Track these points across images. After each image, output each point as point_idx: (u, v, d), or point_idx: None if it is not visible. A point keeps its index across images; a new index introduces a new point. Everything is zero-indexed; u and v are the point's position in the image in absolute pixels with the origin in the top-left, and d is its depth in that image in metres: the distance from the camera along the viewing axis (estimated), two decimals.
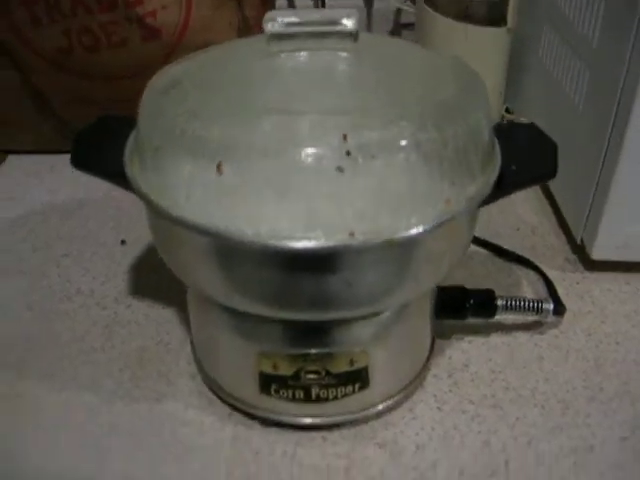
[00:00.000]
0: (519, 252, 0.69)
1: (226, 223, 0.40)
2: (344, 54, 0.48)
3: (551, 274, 0.66)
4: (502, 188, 0.47)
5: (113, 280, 0.66)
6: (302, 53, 0.48)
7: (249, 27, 0.74)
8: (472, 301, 0.57)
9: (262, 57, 0.48)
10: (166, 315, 0.62)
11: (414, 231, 0.41)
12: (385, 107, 0.42)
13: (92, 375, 0.57)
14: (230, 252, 0.42)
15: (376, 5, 0.93)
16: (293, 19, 0.47)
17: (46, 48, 0.73)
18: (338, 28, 0.46)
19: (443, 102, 0.44)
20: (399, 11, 0.94)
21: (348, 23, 0.46)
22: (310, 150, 0.39)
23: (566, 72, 0.70)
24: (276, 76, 0.47)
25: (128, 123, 0.50)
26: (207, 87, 0.45)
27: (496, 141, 0.48)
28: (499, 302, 0.58)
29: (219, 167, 0.40)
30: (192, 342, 0.58)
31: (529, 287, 0.66)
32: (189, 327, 0.58)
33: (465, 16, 0.77)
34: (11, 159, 0.84)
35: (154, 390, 0.55)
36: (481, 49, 0.77)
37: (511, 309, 0.58)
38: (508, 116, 0.86)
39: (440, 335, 0.59)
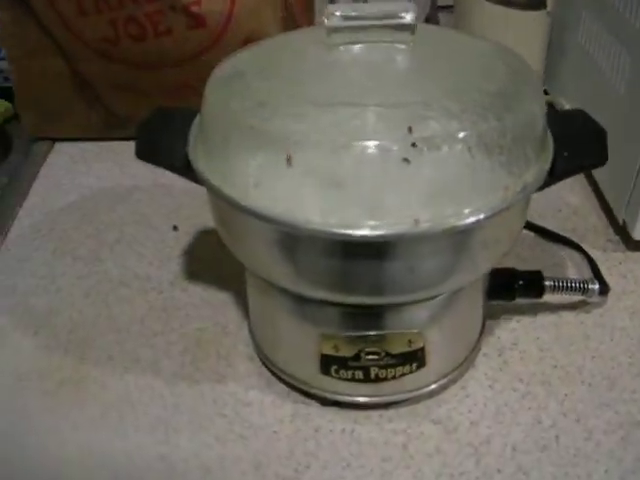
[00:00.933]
0: (562, 234, 0.70)
1: (295, 213, 0.42)
2: (403, 46, 0.49)
3: (594, 254, 0.67)
4: (554, 175, 0.48)
5: (167, 265, 0.68)
6: (361, 46, 0.49)
7: (293, 16, 0.75)
8: (521, 282, 0.59)
9: (322, 50, 0.49)
10: (222, 298, 0.64)
11: (475, 218, 0.42)
12: (446, 99, 0.43)
13: (153, 358, 0.59)
14: (298, 241, 0.44)
15: None
16: (352, 13, 0.48)
17: (93, 38, 0.75)
18: (396, 21, 0.48)
19: (501, 93, 0.45)
20: None
21: (407, 16, 0.47)
22: (377, 142, 0.41)
23: (606, 55, 0.71)
24: (337, 68, 0.48)
25: (187, 114, 0.51)
26: (271, 79, 0.47)
27: (548, 128, 0.49)
28: (546, 283, 0.60)
29: (289, 159, 0.42)
30: (250, 324, 0.59)
31: (573, 267, 0.67)
32: (245, 310, 0.60)
33: (507, 1, 0.77)
34: (58, 146, 0.86)
35: (214, 372, 0.57)
36: (521, 33, 0.78)
37: (558, 289, 0.60)
38: (546, 98, 0.87)
39: (489, 316, 0.60)
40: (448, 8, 0.92)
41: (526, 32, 0.77)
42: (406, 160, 0.41)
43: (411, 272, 0.44)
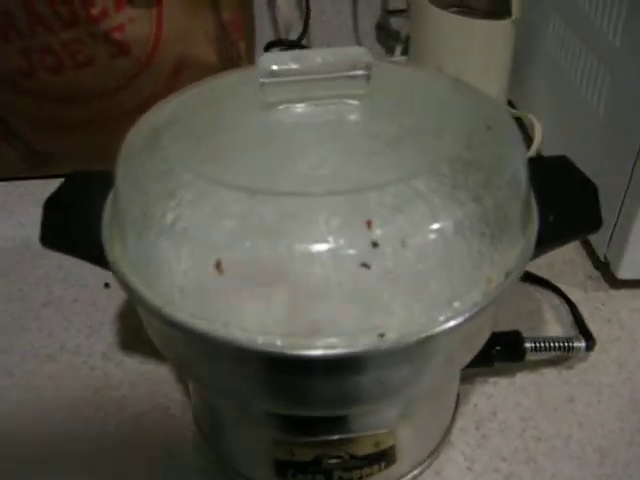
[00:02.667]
0: (537, 270, 0.64)
1: (232, 330, 0.34)
2: (355, 102, 0.41)
3: (574, 295, 0.62)
4: (541, 248, 0.41)
5: (99, 332, 0.60)
6: (304, 105, 0.41)
7: (227, 34, 0.67)
8: (499, 347, 0.52)
9: (257, 110, 0.41)
10: (162, 372, 0.56)
11: (453, 323, 0.35)
12: (411, 177, 0.36)
13: (87, 456, 0.51)
14: (238, 359, 0.36)
15: None
16: (292, 65, 0.40)
17: (2, 69, 0.65)
18: (347, 73, 0.40)
19: (476, 161, 0.38)
20: None
21: (359, 68, 0.39)
22: (329, 246, 0.33)
23: (581, 71, 0.64)
24: (275, 137, 0.40)
25: (105, 183, 0.43)
26: (194, 152, 0.39)
27: (531, 189, 0.42)
28: (527, 345, 0.54)
29: (218, 266, 0.34)
30: (193, 410, 0.52)
31: (553, 313, 0.61)
32: (189, 388, 0.53)
33: (465, 7, 0.70)
34: None
35: (157, 468, 0.50)
36: (484, 43, 0.70)
37: (540, 350, 0.54)
38: (512, 112, 0.80)
39: (464, 379, 0.54)
40: (400, 12, 0.85)
41: (489, 43, 0.70)
42: (365, 265, 0.33)
43: (379, 383, 0.37)
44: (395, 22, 0.89)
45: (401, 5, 0.82)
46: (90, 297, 0.63)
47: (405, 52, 0.84)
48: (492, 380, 0.55)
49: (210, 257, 0.34)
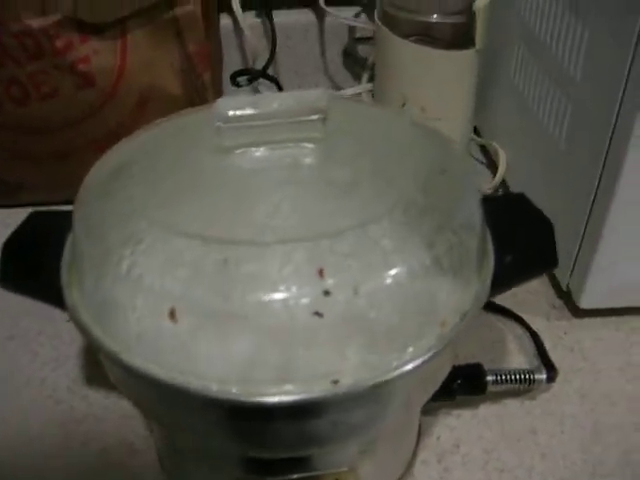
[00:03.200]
0: (500, 298, 0.63)
1: (188, 377, 0.35)
2: (311, 146, 0.41)
3: (537, 324, 0.62)
4: (497, 286, 0.41)
5: (65, 365, 0.60)
6: (261, 150, 0.41)
7: (193, 66, 0.67)
8: (460, 381, 0.52)
9: (215, 152, 0.41)
10: (127, 408, 0.56)
11: (409, 367, 0.36)
12: (365, 221, 0.36)
13: None
14: (195, 406, 0.37)
15: (328, 19, 0.86)
16: (249, 111, 0.40)
17: None
18: (304, 118, 0.40)
19: (432, 206, 0.38)
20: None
21: (316, 116, 0.40)
22: (281, 295, 0.34)
23: (544, 102, 0.65)
24: (230, 183, 0.40)
25: (64, 220, 0.43)
26: (149, 199, 0.39)
27: (487, 229, 0.42)
28: (489, 378, 0.54)
29: (172, 314, 0.34)
30: (156, 446, 0.52)
31: (515, 342, 0.61)
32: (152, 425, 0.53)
33: (427, 36, 0.70)
34: None
35: None
36: (447, 73, 0.71)
37: (501, 383, 0.54)
38: (477, 139, 0.81)
39: (426, 412, 0.54)
40: (367, 40, 0.85)
41: (453, 72, 0.71)
42: (318, 314, 0.33)
43: (336, 426, 0.38)
44: (362, 49, 0.89)
45: (368, 33, 0.83)
46: (55, 330, 0.63)
47: (372, 79, 0.84)
48: (455, 412, 0.56)
49: (165, 305, 0.34)
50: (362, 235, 0.36)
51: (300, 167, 0.40)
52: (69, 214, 0.42)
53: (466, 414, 0.56)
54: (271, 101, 0.40)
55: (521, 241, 0.43)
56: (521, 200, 0.46)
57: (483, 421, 0.55)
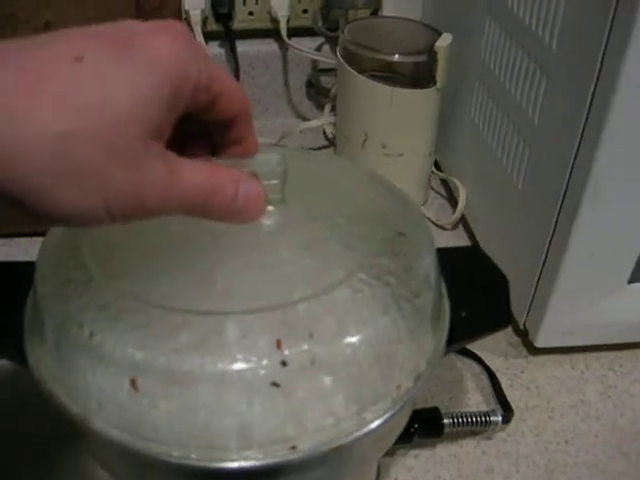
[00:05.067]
0: None
1: (148, 442, 0.35)
2: (270, 208, 0.41)
3: (494, 362, 0.63)
4: (451, 345, 0.42)
5: None
6: None
7: None
8: (417, 425, 0.53)
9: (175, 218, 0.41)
10: None
11: (364, 430, 0.36)
12: (322, 290, 0.37)
13: None
14: (156, 469, 0.37)
15: (291, 55, 0.87)
16: None
17: None
18: (264, 183, 0.40)
19: (388, 272, 0.39)
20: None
21: (276, 180, 0.40)
22: (239, 365, 0.34)
23: (502, 143, 0.66)
24: (193, 248, 0.41)
25: (27, 272, 0.43)
26: (115, 262, 0.39)
27: (443, 284, 0.43)
28: (446, 421, 0.55)
29: (133, 382, 0.35)
30: None
31: (472, 381, 0.62)
32: None
33: (390, 74, 0.71)
34: None
35: None
36: (408, 111, 0.72)
37: (458, 426, 0.55)
38: (438, 174, 0.82)
39: (385, 453, 0.55)
40: (331, 71, 0.86)
41: (413, 110, 0.72)
42: (275, 384, 0.34)
43: None
44: (325, 80, 0.90)
45: (332, 63, 0.83)
46: None
47: (334, 109, 0.85)
48: (413, 452, 0.57)
49: (125, 374, 0.35)
50: (319, 304, 0.36)
51: (260, 231, 0.41)
52: (32, 265, 0.42)
53: (424, 454, 0.57)
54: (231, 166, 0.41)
55: (476, 298, 0.44)
56: (477, 254, 0.47)
57: (440, 461, 0.56)
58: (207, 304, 0.36)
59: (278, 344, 0.35)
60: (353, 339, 0.36)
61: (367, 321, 0.37)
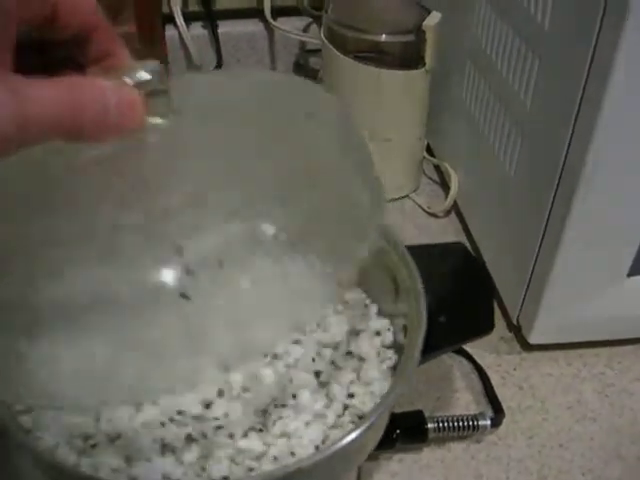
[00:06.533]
0: None
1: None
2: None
3: (486, 359, 0.60)
4: (428, 352, 0.39)
5: None
6: None
7: None
8: (399, 431, 0.50)
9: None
10: None
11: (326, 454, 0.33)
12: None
13: None
14: None
15: (277, 35, 0.83)
16: None
17: None
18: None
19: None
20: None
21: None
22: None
23: (494, 128, 0.63)
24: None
25: None
26: None
27: (420, 288, 0.40)
28: (430, 425, 0.52)
29: None
30: None
31: (462, 379, 0.59)
32: None
33: (377, 55, 0.68)
34: None
35: None
36: (396, 93, 0.68)
37: (443, 431, 0.52)
38: (430, 159, 0.78)
39: (367, 458, 0.52)
40: (319, 52, 0.82)
41: (401, 93, 0.68)
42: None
43: None
44: (314, 61, 0.87)
45: (320, 44, 0.79)
46: None
47: None
48: (397, 457, 0.54)
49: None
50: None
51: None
52: None
53: (408, 459, 0.54)
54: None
55: (457, 301, 0.41)
56: (460, 251, 0.44)
57: (426, 467, 0.53)
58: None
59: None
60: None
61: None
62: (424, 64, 0.67)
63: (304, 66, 0.88)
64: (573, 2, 0.48)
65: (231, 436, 0.37)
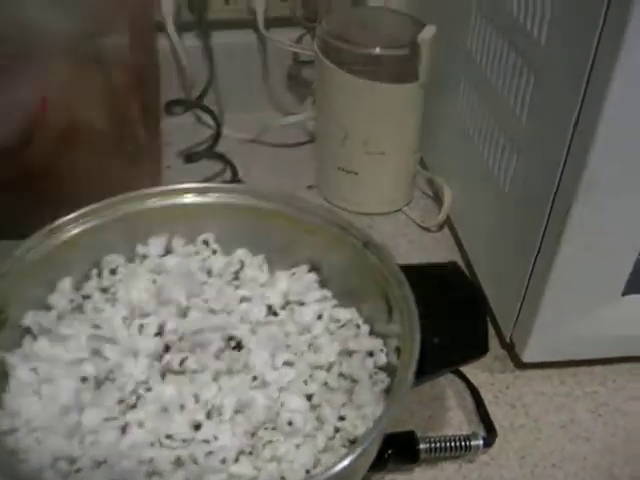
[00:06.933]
0: None
1: None
2: None
3: (478, 377, 0.60)
4: (422, 374, 0.38)
5: None
6: None
7: (120, 98, 0.63)
8: (390, 451, 0.50)
9: None
10: None
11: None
12: None
13: None
14: None
15: (271, 46, 0.83)
16: None
17: None
18: None
19: None
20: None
21: None
22: None
23: (489, 143, 0.62)
24: None
25: None
26: None
27: (414, 308, 0.39)
28: (422, 446, 0.51)
29: None
30: None
31: (455, 398, 0.59)
32: None
33: (371, 68, 0.67)
34: None
35: None
36: (390, 107, 0.68)
37: (435, 452, 0.51)
38: (424, 173, 0.78)
39: None
40: (312, 63, 0.81)
41: (395, 106, 0.68)
42: None
43: None
44: (307, 72, 0.86)
45: (313, 56, 0.79)
46: None
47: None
48: (388, 477, 0.53)
49: None
50: None
51: None
52: None
53: (400, 479, 0.53)
54: None
55: (451, 323, 0.40)
56: (454, 271, 0.43)
57: None
58: None
59: None
60: None
61: None
62: (418, 78, 0.67)
63: (297, 77, 0.87)
64: (571, 18, 0.47)
65: (223, 461, 0.37)
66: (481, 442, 0.52)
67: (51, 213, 0.51)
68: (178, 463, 0.39)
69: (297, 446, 0.39)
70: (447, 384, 0.60)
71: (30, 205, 0.62)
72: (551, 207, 0.52)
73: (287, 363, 0.43)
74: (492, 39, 0.60)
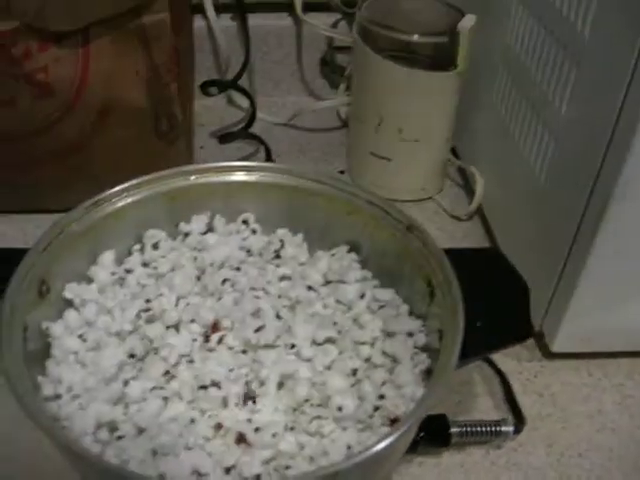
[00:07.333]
0: None
1: None
2: None
3: (507, 365, 0.60)
4: (465, 357, 0.39)
5: None
6: None
7: (159, 77, 0.63)
8: (422, 434, 0.50)
9: None
10: None
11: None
12: None
13: None
14: None
15: (306, 30, 0.83)
16: None
17: None
18: None
19: None
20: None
21: None
22: None
23: (525, 132, 0.62)
24: None
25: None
26: None
27: (458, 292, 0.40)
28: (453, 429, 0.52)
29: None
30: None
31: (483, 384, 0.59)
32: None
33: (408, 55, 0.67)
34: None
35: None
36: (426, 93, 0.68)
37: (467, 436, 0.52)
38: (455, 162, 0.78)
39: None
40: (347, 49, 0.82)
41: (432, 93, 0.68)
42: None
43: None
44: (341, 58, 0.86)
45: (348, 41, 0.79)
46: None
47: (349, 89, 0.81)
48: (417, 460, 0.53)
49: None
50: None
51: None
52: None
53: (429, 462, 0.54)
54: None
55: (494, 306, 0.41)
56: (496, 256, 0.43)
57: (446, 471, 0.53)
58: None
59: None
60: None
61: None
62: (455, 66, 0.67)
63: (330, 63, 0.87)
64: (616, 11, 0.47)
65: (274, 436, 0.37)
66: (512, 429, 0.53)
67: (85, 190, 0.51)
68: (221, 437, 0.40)
69: (339, 422, 0.40)
70: (475, 370, 0.60)
71: (66, 180, 0.63)
72: (589, 198, 0.52)
73: (329, 340, 0.44)
74: (533, 30, 0.60)
